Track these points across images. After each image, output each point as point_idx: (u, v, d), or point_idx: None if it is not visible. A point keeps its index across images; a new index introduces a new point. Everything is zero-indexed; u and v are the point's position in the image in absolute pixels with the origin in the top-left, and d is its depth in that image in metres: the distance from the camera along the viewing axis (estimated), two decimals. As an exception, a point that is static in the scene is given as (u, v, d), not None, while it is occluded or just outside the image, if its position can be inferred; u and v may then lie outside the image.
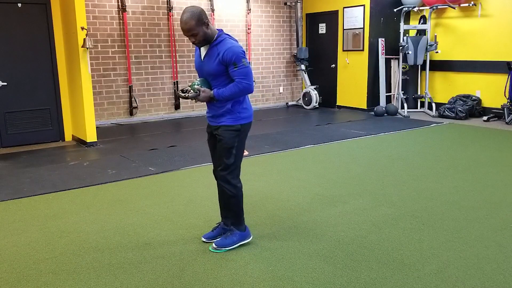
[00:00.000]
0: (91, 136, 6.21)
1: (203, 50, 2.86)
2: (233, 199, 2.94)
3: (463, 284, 2.54)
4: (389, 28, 8.89)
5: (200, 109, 8.88)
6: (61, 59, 6.49)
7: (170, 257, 2.93)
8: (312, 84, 9.70)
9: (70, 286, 2.59)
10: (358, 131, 6.93)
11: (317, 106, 9.45)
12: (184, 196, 4.11)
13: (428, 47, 8.46)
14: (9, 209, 3.85)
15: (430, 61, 8.67)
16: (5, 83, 6.14)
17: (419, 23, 8.79)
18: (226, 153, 2.87)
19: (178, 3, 8.28)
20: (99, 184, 4.50)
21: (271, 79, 9.81)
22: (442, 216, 3.53)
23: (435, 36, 8.61)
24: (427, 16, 8.56)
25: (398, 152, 5.60)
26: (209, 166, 5.00)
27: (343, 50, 9.19)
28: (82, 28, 5.86)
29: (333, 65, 9.49)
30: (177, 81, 8.48)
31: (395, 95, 8.89)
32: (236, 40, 2.84)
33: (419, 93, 9.02)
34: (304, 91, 9.60)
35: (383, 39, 8.74)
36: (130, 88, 7.97)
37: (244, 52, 2.77)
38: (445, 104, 8.34)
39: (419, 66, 8.87)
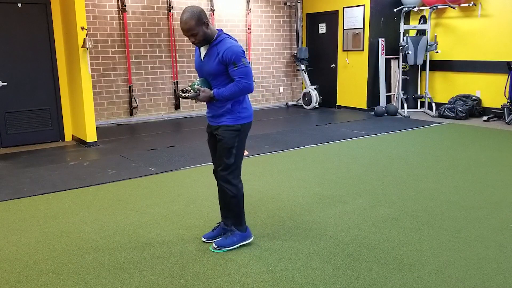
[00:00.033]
0: (91, 136, 6.21)
1: (203, 50, 2.86)
2: (233, 199, 2.94)
3: (463, 284, 2.54)
4: (389, 28, 8.89)
5: (200, 109, 8.88)
6: (61, 59, 6.49)
7: (170, 257, 2.93)
8: (312, 84, 9.70)
9: (70, 286, 2.59)
10: (358, 131, 6.93)
11: (317, 106, 9.45)
12: (184, 196, 4.11)
13: (428, 47, 8.46)
14: (9, 209, 3.85)
15: (430, 61, 8.67)
16: (5, 83, 6.14)
17: (419, 23, 8.79)
18: (226, 153, 2.87)
19: (178, 3, 8.28)
20: (99, 184, 4.50)
21: (271, 79, 9.81)
22: (442, 216, 3.53)
23: (435, 36, 8.61)
24: (427, 16, 8.56)
25: (398, 152, 5.60)
26: (209, 166, 5.00)
27: (343, 50, 9.19)
28: (82, 28, 5.86)
29: (333, 65, 9.49)
30: (177, 81, 8.48)
31: (395, 95, 8.89)
32: (236, 40, 2.84)
33: (419, 93, 9.02)
34: (304, 91, 9.60)
35: (383, 39, 8.74)
36: (130, 88, 7.97)
37: (243, 51, 2.77)
38: (445, 104, 8.34)
39: (419, 66, 8.87)
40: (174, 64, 8.40)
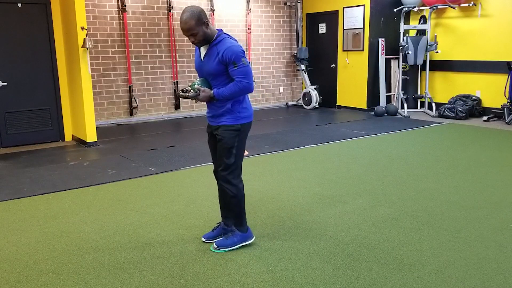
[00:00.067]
0: (91, 136, 6.21)
1: (203, 50, 2.86)
2: (234, 199, 2.94)
3: (463, 284, 2.54)
4: (389, 28, 8.89)
5: (200, 109, 8.89)
6: (61, 59, 6.49)
7: (170, 257, 2.93)
8: (312, 84, 9.70)
9: (70, 286, 2.59)
10: (358, 131, 6.93)
11: (317, 106, 9.45)
12: (184, 196, 4.11)
13: (428, 47, 8.46)
14: (9, 209, 3.85)
15: (430, 61, 8.67)
16: (5, 83, 6.14)
17: (419, 23, 8.79)
18: (226, 153, 2.87)
19: (178, 3, 8.28)
20: (99, 184, 4.50)
21: (271, 79, 9.81)
22: (442, 216, 3.53)
23: (435, 36, 8.61)
24: (427, 16, 8.56)
25: (398, 152, 5.60)
26: (209, 166, 5.00)
27: (343, 50, 9.19)
28: (82, 28, 5.86)
29: (333, 65, 9.49)
30: (177, 81, 8.48)
31: (395, 95, 8.89)
32: (236, 40, 2.84)
33: (419, 93, 9.02)
34: (304, 91, 9.60)
35: (383, 39, 8.74)
36: (130, 88, 7.97)
37: (243, 51, 2.77)
38: (445, 104, 8.34)
39: (419, 66, 8.87)
40: (174, 64, 8.40)
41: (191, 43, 8.40)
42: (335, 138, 6.46)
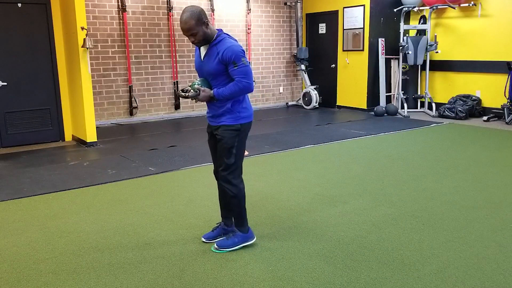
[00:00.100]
0: (91, 136, 6.21)
1: (203, 50, 2.86)
2: (234, 200, 2.93)
3: (463, 284, 2.54)
4: (389, 28, 8.89)
5: (200, 109, 8.89)
6: (61, 59, 6.49)
7: (170, 257, 2.93)
8: (312, 84, 9.70)
9: (70, 286, 2.59)
10: (358, 131, 6.93)
11: (317, 106, 9.45)
12: (184, 196, 4.11)
13: (428, 47, 8.46)
14: (9, 209, 3.85)
15: (430, 61, 8.67)
16: (5, 83, 6.14)
17: (419, 23, 8.79)
18: (226, 153, 2.86)
19: (178, 3, 8.28)
20: (99, 184, 4.50)
21: (271, 79, 9.81)
22: (442, 216, 3.53)
23: (435, 36, 8.61)
24: (427, 16, 8.56)
25: (398, 152, 5.60)
26: (209, 166, 5.00)
27: (343, 50, 9.19)
28: (82, 28, 5.86)
29: (333, 65, 9.49)
30: (177, 81, 8.48)
31: (395, 95, 8.89)
32: (236, 40, 2.84)
33: (419, 93, 9.02)
34: (304, 91, 9.60)
35: (383, 39, 8.74)
36: (130, 88, 7.97)
37: (243, 51, 2.77)
38: (445, 104, 8.34)
39: (419, 66, 8.87)
40: (174, 64, 8.40)
41: (191, 43, 8.40)
42: (335, 138, 6.46)
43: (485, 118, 7.68)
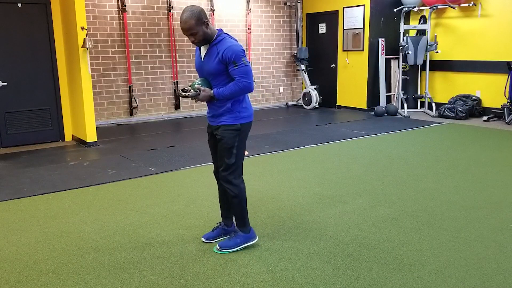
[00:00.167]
0: (91, 136, 6.21)
1: (203, 50, 2.86)
2: (235, 200, 2.93)
3: (463, 284, 2.54)
4: (389, 28, 8.89)
5: (200, 109, 8.89)
6: (61, 59, 6.49)
7: (170, 257, 2.92)
8: (312, 84, 9.70)
9: (70, 286, 2.59)
10: (358, 131, 6.93)
11: (317, 106, 9.45)
12: (184, 196, 4.11)
13: (428, 47, 8.46)
14: (9, 209, 3.85)
15: (430, 61, 8.67)
16: (5, 83, 6.14)
17: (419, 23, 8.79)
18: (226, 153, 2.86)
19: (178, 3, 8.28)
20: (99, 184, 4.50)
21: (271, 79, 9.81)
22: (442, 216, 3.53)
23: (435, 36, 8.61)
24: (427, 16, 8.56)
25: (398, 152, 5.60)
26: (209, 166, 5.00)
27: (343, 50, 9.19)
28: (82, 28, 5.86)
29: (333, 65, 9.49)
30: (177, 81, 8.48)
31: (395, 95, 8.89)
32: (236, 40, 2.84)
33: (419, 93, 9.02)
34: (304, 91, 9.60)
35: (383, 39, 8.74)
36: (130, 88, 7.97)
37: (243, 51, 2.77)
38: (445, 104, 8.34)
39: (419, 66, 8.87)
40: (174, 64, 8.40)
41: (191, 43, 8.41)
42: (335, 138, 6.46)
43: (485, 118, 7.68)
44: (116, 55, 7.76)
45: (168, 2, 8.15)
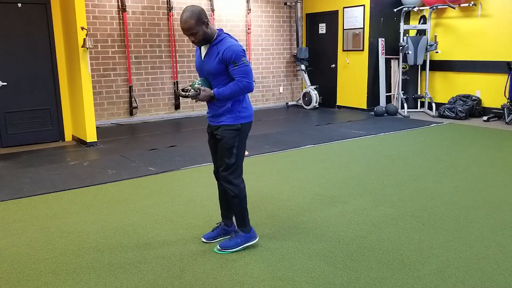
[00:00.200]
0: (91, 136, 6.21)
1: (203, 50, 2.86)
2: (235, 200, 2.92)
3: (463, 284, 2.54)
4: (389, 28, 8.89)
5: (200, 109, 8.89)
6: (61, 59, 6.49)
7: (170, 257, 2.92)
8: (312, 84, 9.70)
9: (70, 286, 2.59)
10: (358, 131, 6.93)
11: (317, 106, 9.45)
12: (184, 196, 4.11)
13: (428, 47, 8.46)
14: (9, 209, 3.85)
15: (430, 61, 8.67)
16: (5, 83, 6.14)
17: (419, 23, 8.79)
18: (226, 153, 2.86)
19: (178, 3, 8.28)
20: (99, 184, 4.50)
21: (271, 79, 9.81)
22: (442, 216, 3.53)
23: (435, 36, 8.61)
24: (427, 16, 8.56)
25: (398, 152, 5.60)
26: (209, 166, 5.00)
27: (343, 50, 9.19)
28: (82, 28, 5.86)
29: (333, 65, 9.49)
30: (177, 81, 8.48)
31: (395, 95, 8.89)
32: (236, 40, 2.84)
33: (419, 93, 9.02)
34: (304, 91, 9.60)
35: (383, 39, 8.74)
36: (130, 88, 7.97)
37: (244, 50, 2.77)
38: (445, 104, 8.34)
39: (419, 66, 8.87)
40: (174, 64, 8.40)
41: (191, 43, 8.41)
42: (335, 138, 6.46)
43: (485, 118, 7.68)
44: (116, 55, 7.76)
45: (168, 2, 8.16)
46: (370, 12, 8.57)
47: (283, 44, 9.86)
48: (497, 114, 7.81)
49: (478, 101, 8.06)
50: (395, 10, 8.69)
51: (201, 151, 5.75)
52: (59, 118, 6.60)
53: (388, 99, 9.09)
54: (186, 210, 3.74)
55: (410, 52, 8.44)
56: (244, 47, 9.05)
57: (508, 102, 7.51)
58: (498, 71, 7.78)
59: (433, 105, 8.44)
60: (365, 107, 8.92)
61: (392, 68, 9.04)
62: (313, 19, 9.86)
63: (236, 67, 2.73)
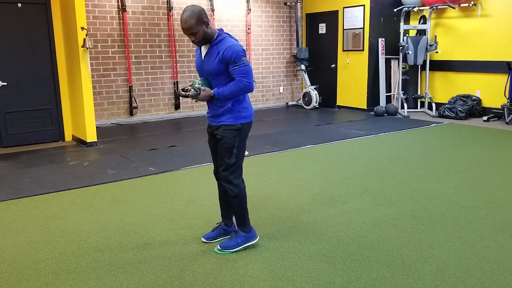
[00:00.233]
0: (91, 136, 6.21)
1: (203, 50, 2.86)
2: (235, 199, 2.92)
3: (463, 284, 2.54)
4: (389, 28, 8.89)
5: (200, 109, 8.89)
6: (61, 59, 6.49)
7: (170, 257, 2.92)
8: (312, 84, 9.70)
9: (70, 286, 2.59)
10: (358, 131, 6.93)
11: (317, 106, 9.45)
12: (184, 196, 4.11)
13: (428, 47, 8.46)
14: (9, 209, 3.85)
15: (430, 61, 8.67)
16: (5, 83, 6.14)
17: (419, 23, 8.79)
18: (227, 153, 2.86)
19: (178, 3, 8.28)
20: (99, 184, 4.50)
21: (271, 79, 9.81)
22: (442, 216, 3.53)
23: (435, 36, 8.61)
24: (427, 16, 8.56)
25: (398, 152, 5.60)
26: (209, 166, 5.00)
27: (343, 50, 9.19)
28: (82, 28, 5.86)
29: (333, 65, 9.49)
30: (177, 81, 8.48)
31: (395, 95, 8.89)
32: (236, 40, 2.84)
33: (419, 93, 9.02)
34: (304, 91, 9.61)
35: (383, 39, 8.74)
36: (130, 88, 7.97)
37: (244, 50, 2.77)
38: (445, 104, 8.34)
39: (419, 66, 8.87)
40: (174, 64, 8.40)
41: (191, 43, 8.41)
42: (335, 138, 6.46)
43: (485, 118, 7.68)
44: (116, 55, 7.76)
45: (168, 2, 8.16)
46: (370, 12, 8.57)
47: (283, 44, 9.86)
48: (497, 114, 7.81)
49: (478, 101, 8.06)
50: (395, 10, 8.69)
51: (201, 151, 5.75)
52: (59, 118, 6.60)
53: (388, 99, 9.09)
54: (186, 210, 3.74)
55: (410, 52, 8.44)
56: (244, 47, 9.05)
57: (508, 102, 7.51)
58: (498, 71, 7.78)
59: (433, 105, 8.44)
60: (365, 107, 8.92)
61: (392, 68, 9.04)
62: (313, 19, 9.86)
63: (236, 67, 2.73)
